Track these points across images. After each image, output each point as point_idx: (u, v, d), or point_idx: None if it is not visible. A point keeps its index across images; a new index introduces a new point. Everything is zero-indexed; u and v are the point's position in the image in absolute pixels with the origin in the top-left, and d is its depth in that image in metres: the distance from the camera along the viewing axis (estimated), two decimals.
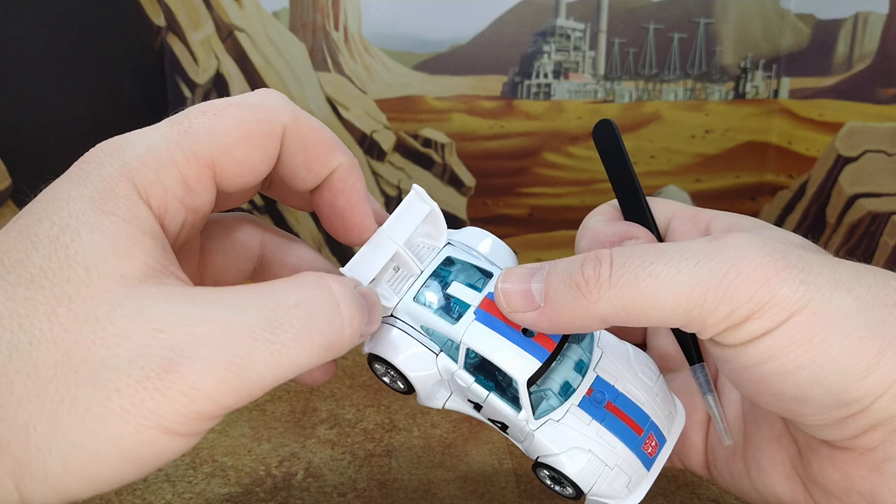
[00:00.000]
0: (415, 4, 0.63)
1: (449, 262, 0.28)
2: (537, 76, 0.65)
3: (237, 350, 0.20)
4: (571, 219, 0.68)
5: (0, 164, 0.52)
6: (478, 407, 0.28)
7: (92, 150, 0.23)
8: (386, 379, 0.29)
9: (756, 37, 0.66)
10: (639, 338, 0.34)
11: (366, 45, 0.63)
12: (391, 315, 0.28)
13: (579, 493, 0.27)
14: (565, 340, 0.27)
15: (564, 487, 0.27)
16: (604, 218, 0.30)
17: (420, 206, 0.28)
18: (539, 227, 0.69)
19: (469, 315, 0.26)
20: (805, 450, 0.26)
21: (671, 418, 0.28)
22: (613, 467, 0.26)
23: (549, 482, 0.28)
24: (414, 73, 0.64)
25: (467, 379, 0.26)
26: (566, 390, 0.27)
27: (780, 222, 0.68)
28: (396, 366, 0.27)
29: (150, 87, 0.62)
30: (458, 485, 0.38)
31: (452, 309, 0.27)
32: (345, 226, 0.28)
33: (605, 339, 0.29)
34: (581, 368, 0.27)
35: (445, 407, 0.29)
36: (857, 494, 0.24)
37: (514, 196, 0.68)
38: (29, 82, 0.54)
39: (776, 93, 0.67)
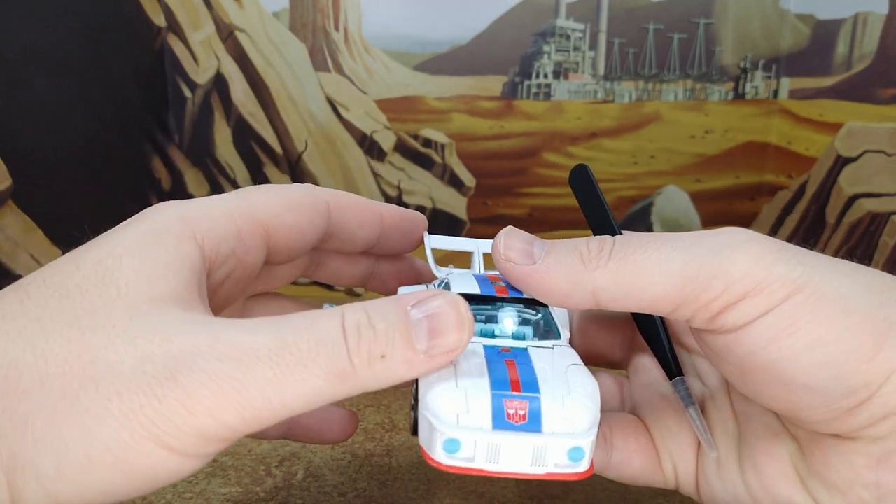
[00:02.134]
0: (415, 4, 0.63)
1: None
2: (537, 76, 0.66)
3: (239, 366, 0.20)
4: (571, 219, 0.68)
5: (0, 164, 0.53)
6: None
7: (156, 204, 0.25)
8: None
9: (756, 37, 0.66)
10: (617, 355, 0.33)
11: (366, 46, 0.63)
12: None
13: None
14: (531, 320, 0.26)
15: None
16: None
17: None
18: (539, 227, 0.69)
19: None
20: (806, 443, 0.26)
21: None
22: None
23: None
24: (414, 73, 0.64)
25: None
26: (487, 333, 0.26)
27: (779, 222, 0.68)
28: None
29: (150, 87, 0.62)
30: (457, 485, 0.38)
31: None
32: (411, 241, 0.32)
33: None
34: (519, 335, 0.26)
35: None
36: (861, 486, 0.24)
37: (514, 196, 0.68)
38: (29, 82, 0.54)
39: (776, 93, 0.67)
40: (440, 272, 0.31)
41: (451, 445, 0.22)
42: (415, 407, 0.24)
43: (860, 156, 0.62)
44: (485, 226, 0.68)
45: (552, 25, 0.64)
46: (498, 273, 0.28)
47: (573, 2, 0.64)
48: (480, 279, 0.28)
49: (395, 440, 0.42)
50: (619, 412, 0.31)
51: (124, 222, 0.24)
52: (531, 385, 0.23)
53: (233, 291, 0.27)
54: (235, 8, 0.62)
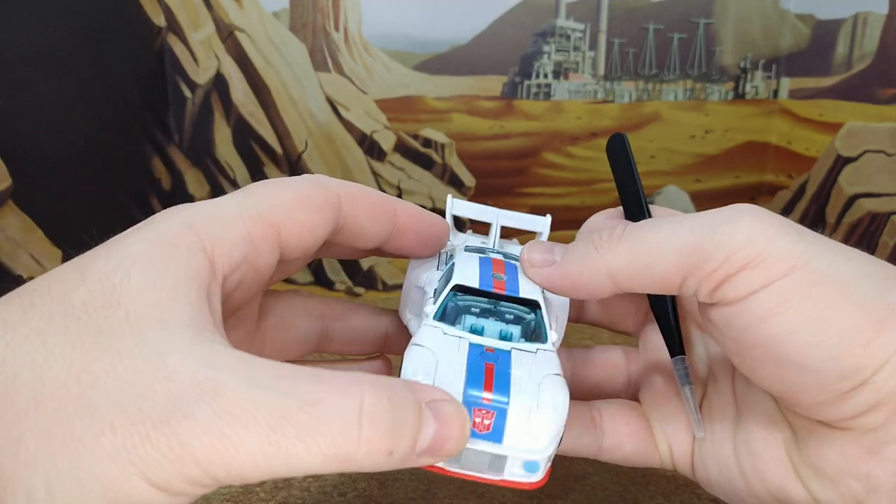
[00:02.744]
0: (415, 4, 0.63)
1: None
2: (537, 76, 0.66)
3: (234, 425, 0.19)
4: (571, 219, 0.68)
5: (0, 164, 0.53)
6: None
7: (162, 210, 0.24)
8: None
9: (756, 37, 0.66)
10: (630, 326, 0.34)
11: (366, 46, 0.63)
12: None
13: None
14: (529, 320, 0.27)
15: None
16: (607, 218, 0.32)
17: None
18: None
19: None
20: (801, 431, 0.26)
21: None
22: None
23: None
24: (414, 73, 0.64)
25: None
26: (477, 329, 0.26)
27: None
28: None
29: (150, 87, 0.62)
30: (458, 485, 0.38)
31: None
32: (427, 243, 0.31)
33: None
34: (507, 335, 0.26)
35: None
36: (853, 477, 0.24)
37: (514, 196, 0.68)
38: (29, 82, 0.54)
39: (776, 93, 0.67)
40: (456, 238, 0.33)
41: None
42: None
43: (860, 156, 0.62)
44: (485, 226, 0.68)
45: (552, 25, 0.64)
46: (503, 255, 0.30)
47: (573, 2, 0.64)
48: (483, 267, 0.28)
49: None
50: (609, 400, 0.32)
51: (130, 229, 0.23)
52: (503, 392, 0.24)
53: (247, 294, 0.26)
54: (235, 8, 0.62)
